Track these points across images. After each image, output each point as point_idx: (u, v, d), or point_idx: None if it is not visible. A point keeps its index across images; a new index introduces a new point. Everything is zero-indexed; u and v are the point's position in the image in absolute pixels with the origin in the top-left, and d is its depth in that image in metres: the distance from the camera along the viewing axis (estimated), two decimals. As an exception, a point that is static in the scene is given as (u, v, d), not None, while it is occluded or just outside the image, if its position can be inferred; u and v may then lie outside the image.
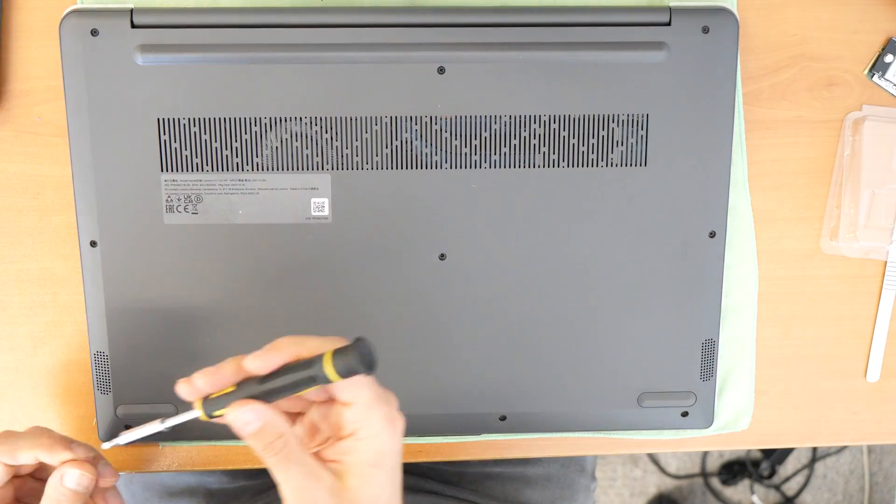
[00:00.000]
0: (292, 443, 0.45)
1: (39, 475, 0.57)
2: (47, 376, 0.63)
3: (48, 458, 0.53)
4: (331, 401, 0.48)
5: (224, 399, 0.46)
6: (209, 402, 0.47)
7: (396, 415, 0.47)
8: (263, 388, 0.45)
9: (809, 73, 0.62)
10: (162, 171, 0.57)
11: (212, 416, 0.47)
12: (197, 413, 0.47)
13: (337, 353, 0.44)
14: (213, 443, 0.64)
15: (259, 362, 0.45)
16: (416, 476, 0.74)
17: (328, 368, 0.44)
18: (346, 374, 0.44)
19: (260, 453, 0.45)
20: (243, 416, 0.45)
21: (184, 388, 0.46)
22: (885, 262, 0.65)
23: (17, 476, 0.55)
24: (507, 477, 0.75)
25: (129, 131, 0.57)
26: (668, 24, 0.58)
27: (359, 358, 0.44)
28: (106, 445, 0.54)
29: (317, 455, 0.47)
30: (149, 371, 0.60)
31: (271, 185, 0.58)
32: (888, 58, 0.62)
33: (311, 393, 0.47)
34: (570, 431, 0.64)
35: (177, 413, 0.50)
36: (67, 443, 0.54)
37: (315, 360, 0.44)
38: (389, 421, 0.46)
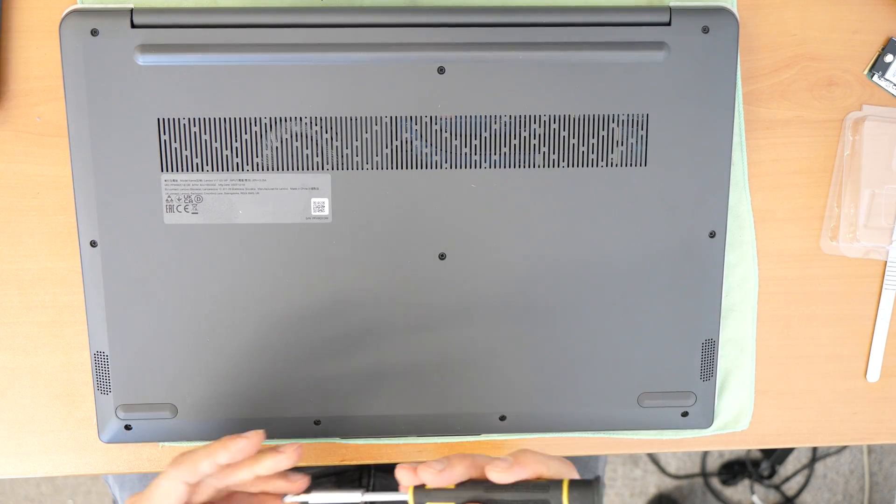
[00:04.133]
0: None
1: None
2: (47, 376, 0.63)
3: (225, 455, 0.51)
4: None
5: (440, 494, 0.48)
6: (422, 492, 0.48)
7: None
8: (491, 497, 0.47)
9: (809, 73, 0.62)
10: (162, 171, 0.57)
11: None
12: (405, 498, 0.49)
13: (576, 484, 0.46)
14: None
15: (503, 475, 0.47)
16: None
17: (565, 497, 0.46)
18: None
19: None
20: None
21: (405, 476, 0.48)
22: (885, 262, 0.65)
23: None
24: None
25: (129, 131, 0.57)
26: (668, 24, 0.58)
27: (599, 498, 0.45)
28: (289, 499, 0.54)
29: None
30: (149, 371, 0.60)
31: (271, 185, 0.58)
32: (888, 58, 0.62)
33: None
34: (570, 431, 0.64)
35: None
36: (232, 439, 0.52)
37: (552, 485, 0.46)
38: None
